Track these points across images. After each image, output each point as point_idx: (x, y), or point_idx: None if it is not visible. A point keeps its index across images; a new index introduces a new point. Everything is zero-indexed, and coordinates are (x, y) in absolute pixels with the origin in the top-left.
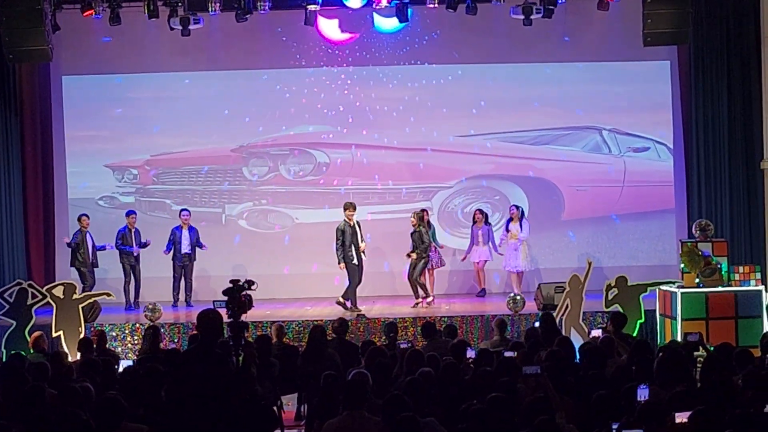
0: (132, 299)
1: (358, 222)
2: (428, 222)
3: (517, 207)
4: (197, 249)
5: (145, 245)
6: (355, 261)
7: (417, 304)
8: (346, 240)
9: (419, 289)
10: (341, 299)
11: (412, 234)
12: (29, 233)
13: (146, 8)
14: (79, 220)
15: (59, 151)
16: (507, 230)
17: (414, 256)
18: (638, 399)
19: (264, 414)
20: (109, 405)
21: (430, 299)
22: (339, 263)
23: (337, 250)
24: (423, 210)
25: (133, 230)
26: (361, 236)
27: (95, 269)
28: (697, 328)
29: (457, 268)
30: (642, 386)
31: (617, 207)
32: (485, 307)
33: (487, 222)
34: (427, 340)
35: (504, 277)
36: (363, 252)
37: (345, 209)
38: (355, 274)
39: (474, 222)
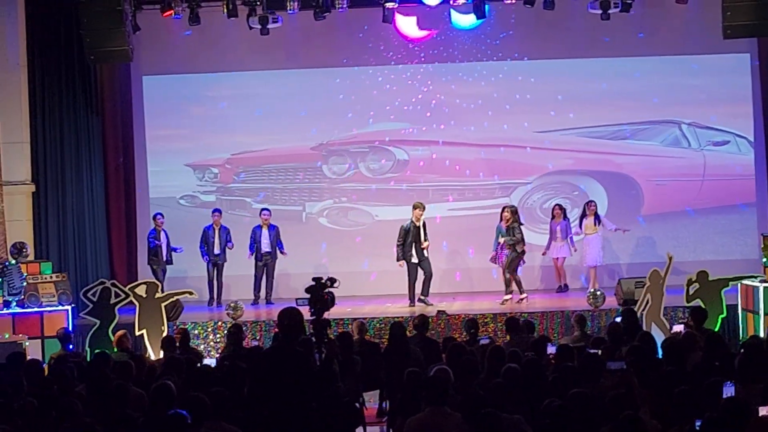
0: (215, 297)
1: (424, 221)
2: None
3: (594, 203)
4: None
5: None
6: (415, 259)
7: (505, 300)
8: (408, 240)
9: (513, 285)
10: (422, 296)
11: (506, 229)
12: (112, 233)
13: (225, 7)
14: (153, 219)
15: (140, 150)
16: (580, 226)
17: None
18: (724, 396)
19: (347, 411)
20: (192, 403)
21: (523, 296)
22: (398, 260)
23: (397, 246)
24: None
25: (218, 229)
26: (425, 235)
27: (170, 266)
28: None
29: (537, 264)
30: (728, 383)
31: (697, 201)
32: (565, 302)
33: (565, 217)
34: (510, 335)
35: (586, 273)
36: (425, 249)
37: (415, 208)
38: (414, 271)
39: (552, 217)
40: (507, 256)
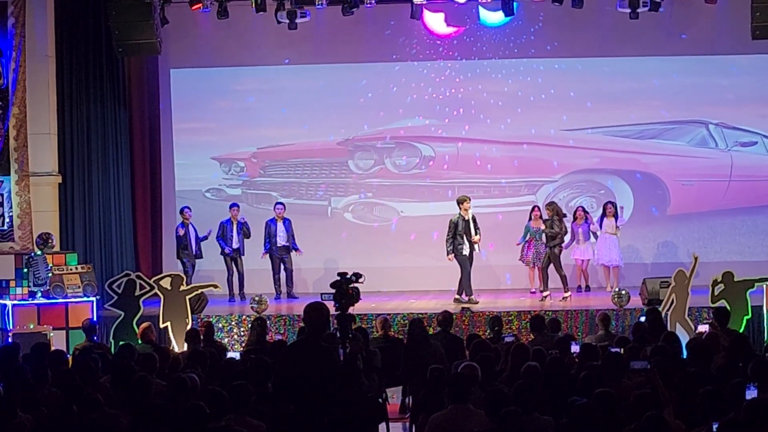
0: (237, 291)
1: (473, 216)
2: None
3: (613, 204)
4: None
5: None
6: (465, 252)
7: (544, 297)
8: (458, 232)
9: (560, 281)
10: (458, 296)
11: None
12: (137, 225)
13: (253, 2)
14: (181, 212)
15: (167, 143)
16: (601, 225)
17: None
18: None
19: (371, 406)
20: (212, 397)
21: (567, 294)
22: (447, 255)
23: (446, 241)
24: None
25: (236, 223)
26: (476, 229)
27: (198, 260)
28: None
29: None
30: (750, 385)
31: (724, 201)
32: (590, 301)
33: (587, 219)
34: (535, 333)
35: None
36: (476, 244)
37: (461, 203)
38: (465, 264)
39: (575, 219)
40: (546, 253)
